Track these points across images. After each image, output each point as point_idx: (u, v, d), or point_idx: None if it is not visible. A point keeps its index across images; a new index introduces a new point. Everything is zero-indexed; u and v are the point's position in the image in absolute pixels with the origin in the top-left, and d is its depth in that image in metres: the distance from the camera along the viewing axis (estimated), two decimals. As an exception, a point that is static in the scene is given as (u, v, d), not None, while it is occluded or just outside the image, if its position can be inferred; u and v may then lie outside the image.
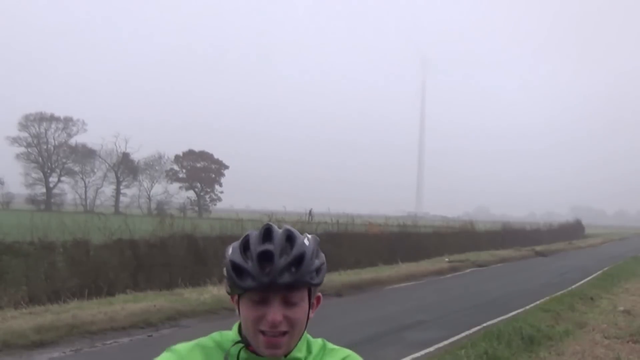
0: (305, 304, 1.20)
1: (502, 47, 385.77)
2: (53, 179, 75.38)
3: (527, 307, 12.63)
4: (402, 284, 16.82)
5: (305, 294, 1.19)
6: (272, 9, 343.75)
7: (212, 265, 13.95)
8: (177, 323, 10.11)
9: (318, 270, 1.19)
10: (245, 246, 1.18)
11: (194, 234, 15.18)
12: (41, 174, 74.17)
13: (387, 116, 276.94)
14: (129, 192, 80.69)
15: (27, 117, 73.52)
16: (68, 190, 77.72)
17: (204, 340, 1.26)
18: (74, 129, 76.08)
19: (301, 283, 1.16)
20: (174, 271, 13.78)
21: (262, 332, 1.16)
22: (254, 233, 1.21)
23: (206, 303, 11.20)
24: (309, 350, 1.25)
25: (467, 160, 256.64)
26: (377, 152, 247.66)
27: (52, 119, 74.59)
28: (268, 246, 1.16)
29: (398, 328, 10.33)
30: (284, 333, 1.16)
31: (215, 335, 1.27)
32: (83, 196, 78.15)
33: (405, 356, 8.32)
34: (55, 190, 75.70)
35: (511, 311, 12.22)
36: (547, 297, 13.84)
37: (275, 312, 1.15)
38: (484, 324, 10.71)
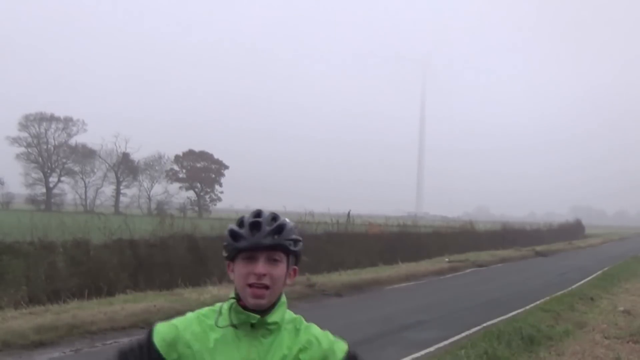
0: (284, 265, 1.58)
1: (502, 45, 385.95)
2: (53, 179, 75.34)
3: (527, 307, 12.62)
4: (402, 284, 16.82)
5: (284, 257, 1.58)
6: (271, 8, 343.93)
7: (212, 265, 13.94)
8: (177, 323, 10.09)
9: (296, 242, 1.60)
10: (240, 221, 1.61)
11: (194, 234, 15.18)
12: (41, 174, 74.09)
13: (387, 116, 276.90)
14: (129, 192, 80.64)
15: (27, 117, 73.48)
16: (68, 190, 77.63)
17: (205, 309, 1.65)
18: (74, 129, 76.09)
19: (281, 246, 1.57)
20: (174, 271, 13.78)
21: (250, 286, 1.54)
22: (247, 214, 1.63)
23: (206, 303, 10.99)
24: (284, 315, 1.61)
25: (467, 160, 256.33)
26: (377, 151, 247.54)
27: (52, 119, 74.54)
28: (258, 219, 1.58)
29: (398, 328, 10.34)
30: (267, 287, 1.54)
31: (217, 305, 1.63)
32: (83, 196, 78.08)
33: (405, 356, 8.32)
34: (55, 190, 75.60)
35: (511, 311, 12.22)
36: (547, 297, 13.84)
37: (261, 266, 1.54)
38: (484, 324, 10.72)
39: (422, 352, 8.59)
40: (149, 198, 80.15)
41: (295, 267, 1.64)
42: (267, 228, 1.56)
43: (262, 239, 1.55)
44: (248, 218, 1.60)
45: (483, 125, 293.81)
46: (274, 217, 1.60)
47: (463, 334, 9.87)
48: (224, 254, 1.61)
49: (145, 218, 28.47)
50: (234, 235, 1.58)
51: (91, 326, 9.01)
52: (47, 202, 71.62)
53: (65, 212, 52.85)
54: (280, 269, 1.57)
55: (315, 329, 1.66)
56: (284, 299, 1.62)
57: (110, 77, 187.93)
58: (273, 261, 1.55)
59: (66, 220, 13.20)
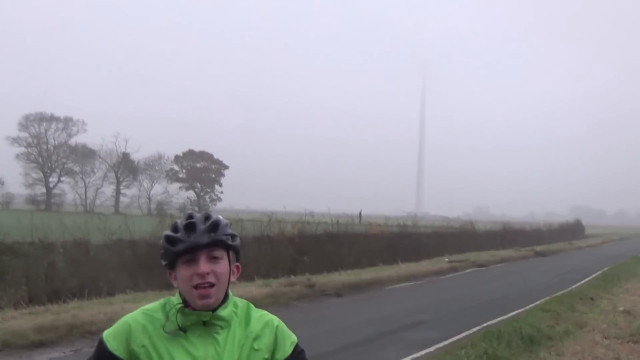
0: (226, 262, 1.59)
1: (502, 45, 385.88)
2: (53, 179, 75.39)
3: (527, 307, 12.62)
4: (402, 284, 16.82)
5: (224, 253, 1.59)
6: (271, 7, 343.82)
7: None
8: (177, 323, 10.08)
9: (233, 237, 1.61)
10: (174, 226, 1.60)
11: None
12: (41, 174, 74.10)
13: (387, 115, 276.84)
14: (129, 192, 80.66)
15: (27, 117, 73.53)
16: (68, 190, 77.68)
17: (151, 305, 1.62)
18: (74, 129, 76.17)
19: (219, 242, 1.57)
20: (174, 271, 13.76)
21: (195, 287, 1.53)
22: (180, 219, 1.62)
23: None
24: (235, 307, 1.64)
25: (467, 159, 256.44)
26: (377, 151, 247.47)
27: (52, 119, 74.59)
28: (191, 220, 1.58)
29: (398, 328, 10.33)
30: (212, 285, 1.54)
31: (163, 300, 1.63)
32: (83, 196, 78.13)
33: (405, 356, 8.32)
34: (55, 191, 75.62)
35: (511, 311, 12.22)
36: (547, 297, 13.83)
37: (203, 265, 1.54)
38: (484, 324, 10.71)
39: (422, 352, 8.59)
40: (149, 198, 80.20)
41: (237, 263, 1.65)
42: (201, 227, 1.57)
43: (199, 238, 1.55)
44: (181, 221, 1.60)
45: (483, 125, 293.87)
46: (207, 216, 1.61)
47: (463, 334, 9.86)
48: (163, 262, 1.60)
49: (145, 218, 28.50)
50: (170, 240, 1.57)
51: (91, 326, 9.00)
52: (47, 202, 71.60)
53: (65, 212, 52.73)
54: (223, 266, 1.58)
55: (266, 315, 1.67)
56: (231, 294, 1.63)
57: (111, 77, 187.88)
58: (214, 259, 1.56)
59: (66, 221, 13.19)
